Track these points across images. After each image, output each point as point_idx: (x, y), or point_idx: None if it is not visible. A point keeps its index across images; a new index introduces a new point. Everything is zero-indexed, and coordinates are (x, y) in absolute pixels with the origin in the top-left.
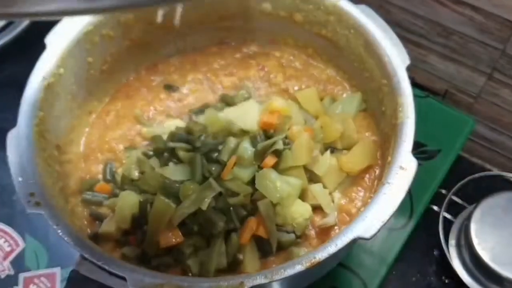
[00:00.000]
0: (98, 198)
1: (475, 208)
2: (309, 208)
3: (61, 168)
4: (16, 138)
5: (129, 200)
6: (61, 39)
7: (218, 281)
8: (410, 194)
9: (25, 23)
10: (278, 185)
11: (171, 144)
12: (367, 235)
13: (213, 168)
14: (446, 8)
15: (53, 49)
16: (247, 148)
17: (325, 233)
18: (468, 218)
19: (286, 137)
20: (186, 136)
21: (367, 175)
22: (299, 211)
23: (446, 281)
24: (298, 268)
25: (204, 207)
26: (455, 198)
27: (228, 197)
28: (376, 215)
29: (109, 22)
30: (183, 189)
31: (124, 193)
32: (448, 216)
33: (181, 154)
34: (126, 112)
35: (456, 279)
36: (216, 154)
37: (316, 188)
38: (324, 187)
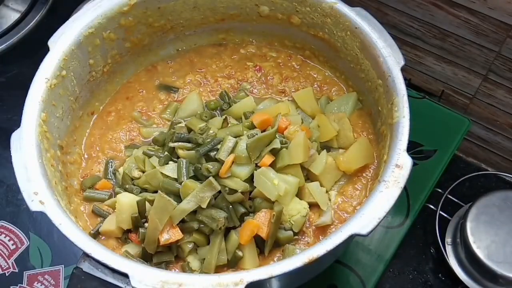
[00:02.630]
0: (100, 195)
1: (470, 207)
2: (306, 205)
3: (64, 169)
4: (20, 139)
5: (127, 202)
6: (63, 41)
7: (218, 277)
8: (407, 193)
9: (30, 25)
10: (276, 183)
11: (172, 144)
12: (364, 231)
13: (212, 167)
14: (443, 11)
15: (56, 51)
16: (244, 147)
17: (321, 232)
18: (464, 217)
19: (283, 137)
20: (187, 135)
21: (363, 174)
22: (297, 208)
23: (443, 278)
24: (297, 264)
25: (204, 205)
26: (451, 197)
27: (226, 195)
28: (373, 212)
29: (110, 24)
30: (183, 188)
31: (120, 196)
32: (444, 214)
33: (181, 153)
34: (126, 113)
35: (452, 276)
36: (214, 153)
37: (313, 186)
38: (321, 185)
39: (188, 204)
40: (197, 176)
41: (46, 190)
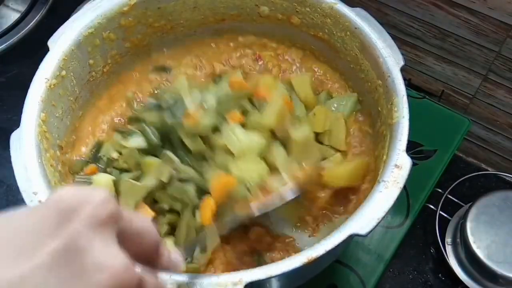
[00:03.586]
0: (90, 180)
1: (470, 207)
2: (266, 168)
3: (64, 169)
4: (19, 139)
5: (102, 183)
6: (63, 41)
7: (218, 277)
8: (407, 193)
9: (30, 25)
10: (241, 138)
11: (141, 115)
12: (363, 231)
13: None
14: (443, 11)
15: (56, 51)
16: (213, 101)
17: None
18: (464, 217)
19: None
20: (154, 103)
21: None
22: (257, 168)
23: (443, 278)
24: (296, 264)
25: (164, 179)
26: (451, 197)
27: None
28: (372, 212)
29: (110, 24)
30: (143, 165)
31: (95, 177)
32: (444, 214)
33: (148, 120)
34: (119, 97)
35: (452, 276)
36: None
37: (279, 150)
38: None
39: (150, 181)
40: (172, 143)
41: (45, 190)
